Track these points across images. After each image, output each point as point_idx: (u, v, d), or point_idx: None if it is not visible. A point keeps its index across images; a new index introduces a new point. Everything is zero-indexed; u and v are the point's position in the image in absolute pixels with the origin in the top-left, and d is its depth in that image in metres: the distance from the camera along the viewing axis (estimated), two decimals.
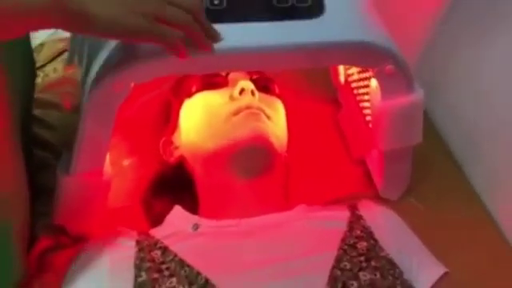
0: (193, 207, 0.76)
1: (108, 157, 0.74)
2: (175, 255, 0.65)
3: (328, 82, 0.99)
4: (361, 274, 0.62)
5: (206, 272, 0.61)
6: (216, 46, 0.62)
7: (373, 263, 0.64)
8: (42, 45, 1.08)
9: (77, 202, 0.71)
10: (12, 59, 0.70)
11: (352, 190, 0.88)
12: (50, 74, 1.03)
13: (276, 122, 0.77)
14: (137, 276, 0.63)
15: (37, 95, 0.98)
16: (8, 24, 0.50)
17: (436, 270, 0.69)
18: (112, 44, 0.61)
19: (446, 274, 0.70)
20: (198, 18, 0.57)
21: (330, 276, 0.61)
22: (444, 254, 0.73)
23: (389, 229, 0.72)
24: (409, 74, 0.70)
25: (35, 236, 0.77)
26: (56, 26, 0.52)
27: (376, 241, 0.68)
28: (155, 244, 0.67)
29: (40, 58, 1.05)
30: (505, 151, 0.85)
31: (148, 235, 0.69)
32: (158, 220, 0.76)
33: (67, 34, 0.88)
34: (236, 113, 0.74)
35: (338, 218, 0.72)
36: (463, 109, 0.93)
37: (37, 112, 0.95)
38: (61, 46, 1.06)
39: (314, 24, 0.65)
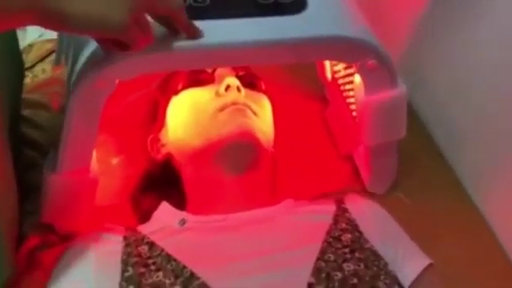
0: (180, 204, 0.76)
1: (95, 155, 0.75)
2: (162, 250, 0.65)
3: (316, 78, 1.00)
4: (345, 265, 0.63)
5: (192, 266, 0.62)
6: (200, 42, 0.63)
7: (357, 254, 0.65)
8: (30, 45, 1.09)
9: (64, 200, 0.71)
10: None
11: (340, 185, 0.89)
12: (38, 74, 1.03)
13: (262, 117, 0.78)
14: (123, 271, 0.63)
15: (25, 95, 0.98)
16: None
17: (421, 262, 0.70)
18: (95, 42, 0.62)
19: (430, 265, 0.70)
20: (178, 18, 0.58)
21: (314, 267, 0.62)
22: (430, 246, 0.74)
23: (374, 221, 0.72)
24: (391, 68, 0.71)
25: (24, 234, 0.78)
26: (33, 24, 0.52)
27: (361, 233, 0.69)
28: (142, 239, 0.67)
29: (29, 59, 1.05)
30: (490, 144, 0.86)
31: (135, 231, 0.70)
32: (146, 217, 0.76)
33: (56, 35, 0.89)
34: (222, 109, 0.74)
35: (324, 212, 0.72)
36: (448, 103, 0.94)
37: (25, 112, 0.95)
38: (49, 46, 1.06)
39: (297, 19, 0.66)
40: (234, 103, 0.75)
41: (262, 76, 0.85)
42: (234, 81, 0.76)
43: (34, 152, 0.89)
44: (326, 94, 0.99)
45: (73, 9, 0.52)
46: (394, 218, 0.77)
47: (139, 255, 0.65)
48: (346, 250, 0.65)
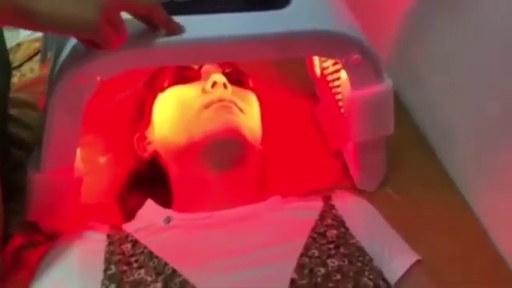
0: (167, 201, 0.76)
1: (79, 153, 0.74)
2: (145, 248, 0.65)
3: (306, 75, 1.00)
4: (329, 260, 0.62)
5: (174, 263, 0.61)
6: (182, 37, 0.62)
7: (341, 250, 0.64)
8: (18, 45, 1.09)
9: (48, 199, 0.71)
10: None
11: (329, 182, 0.89)
12: (26, 73, 1.03)
13: (249, 114, 0.78)
14: (106, 269, 0.63)
15: (13, 95, 0.97)
16: None
17: (408, 258, 0.69)
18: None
19: (418, 261, 0.70)
20: (155, 14, 0.58)
21: (297, 263, 0.62)
22: (419, 242, 0.73)
23: (361, 217, 0.72)
24: (377, 63, 0.71)
25: (10, 234, 0.77)
26: (6, 23, 0.52)
27: (347, 229, 0.68)
28: (126, 237, 0.67)
29: (17, 58, 1.05)
30: (480, 140, 0.85)
31: (119, 229, 0.69)
32: (131, 215, 0.75)
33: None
34: (208, 106, 0.74)
35: (311, 208, 0.72)
36: (439, 98, 0.94)
37: (13, 111, 0.95)
38: (37, 45, 1.06)
39: (281, 14, 0.66)
40: (219, 100, 0.74)
41: (251, 73, 0.85)
42: (220, 77, 0.76)
43: (21, 151, 0.88)
44: (316, 91, 0.98)
45: (40, 7, 0.51)
46: (382, 214, 0.76)
47: (122, 253, 0.64)
48: (331, 246, 0.65)
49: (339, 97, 0.87)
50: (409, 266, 0.68)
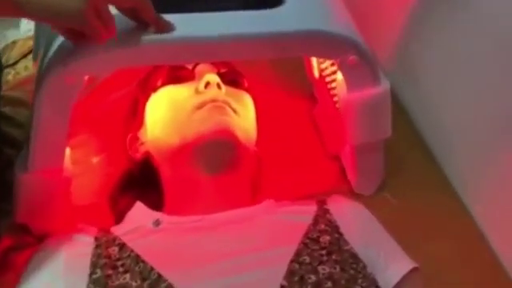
0: (159, 204, 0.74)
1: (69, 153, 0.73)
2: (131, 251, 0.63)
3: (304, 76, 0.98)
4: (320, 267, 0.61)
5: (160, 268, 0.60)
6: (171, 36, 0.61)
7: (334, 257, 0.63)
8: (14, 42, 1.08)
9: (36, 200, 0.70)
10: None
11: (327, 185, 0.87)
12: (21, 71, 1.02)
13: (243, 116, 0.76)
14: (92, 273, 0.61)
15: (7, 93, 0.97)
16: None
17: (404, 265, 0.68)
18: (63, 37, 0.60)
19: (414, 269, 0.68)
20: (143, 10, 0.56)
21: (287, 270, 0.60)
22: (417, 247, 0.73)
23: (356, 223, 0.70)
24: (373, 65, 0.69)
25: (0, 234, 0.76)
26: None
27: (341, 234, 0.67)
28: (113, 240, 0.66)
29: (12, 56, 1.04)
30: (479, 143, 0.84)
31: (107, 232, 0.68)
32: (122, 217, 0.74)
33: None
34: (200, 106, 0.72)
35: (304, 213, 0.70)
36: (438, 101, 0.92)
37: (6, 110, 0.94)
38: (32, 43, 1.05)
39: (275, 13, 0.65)
40: (212, 101, 0.72)
41: (248, 73, 0.83)
42: (213, 78, 0.74)
43: (13, 150, 0.87)
44: (314, 92, 0.97)
45: None
46: (379, 218, 0.74)
47: (109, 257, 0.63)
48: (323, 252, 0.63)
49: (336, 98, 0.85)
50: (404, 273, 0.67)
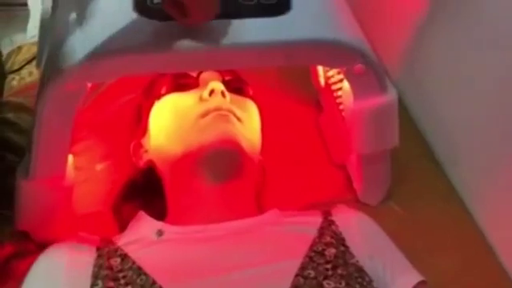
0: (162, 213, 0.73)
1: (72, 161, 0.72)
2: (133, 263, 0.62)
3: (310, 83, 0.97)
4: (325, 282, 0.59)
5: (162, 281, 0.59)
6: (179, 44, 0.60)
7: (339, 271, 0.61)
8: (19, 48, 1.07)
9: (37, 207, 0.69)
10: None
11: (332, 195, 0.86)
12: (25, 77, 1.02)
13: (247, 124, 0.75)
14: (93, 284, 0.60)
15: (11, 98, 0.97)
16: None
17: (411, 278, 0.66)
18: (67, 44, 0.59)
19: (422, 282, 0.67)
20: None
21: (292, 284, 0.59)
22: (423, 258, 0.71)
23: (362, 234, 0.69)
24: (380, 73, 0.68)
25: (1, 242, 0.75)
26: None
27: (347, 247, 0.65)
28: (115, 251, 0.64)
29: (17, 61, 1.04)
30: (486, 152, 0.83)
31: (110, 242, 0.67)
32: (125, 226, 0.73)
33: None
34: (204, 115, 0.71)
35: (309, 224, 0.69)
36: (445, 110, 0.91)
37: (10, 115, 0.94)
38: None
39: (280, 21, 0.63)
40: (217, 109, 0.72)
41: (253, 81, 0.83)
42: (218, 85, 0.73)
43: (15, 157, 0.87)
44: (320, 100, 0.96)
45: None
46: (385, 228, 0.73)
47: (110, 268, 0.62)
48: (328, 266, 0.62)
49: (342, 107, 0.84)
50: (411, 287, 0.65)
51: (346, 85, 0.71)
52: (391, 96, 0.71)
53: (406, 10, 0.96)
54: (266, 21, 0.63)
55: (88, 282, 0.61)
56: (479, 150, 0.84)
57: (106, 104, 0.94)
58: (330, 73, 0.89)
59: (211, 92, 0.73)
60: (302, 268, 0.61)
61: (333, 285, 0.59)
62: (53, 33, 0.68)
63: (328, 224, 0.69)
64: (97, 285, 0.60)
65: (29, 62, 1.03)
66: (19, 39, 1.16)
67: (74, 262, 0.64)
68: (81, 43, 0.60)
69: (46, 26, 0.74)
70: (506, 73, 0.75)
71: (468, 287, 0.75)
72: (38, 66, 0.80)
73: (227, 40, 0.62)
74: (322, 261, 0.62)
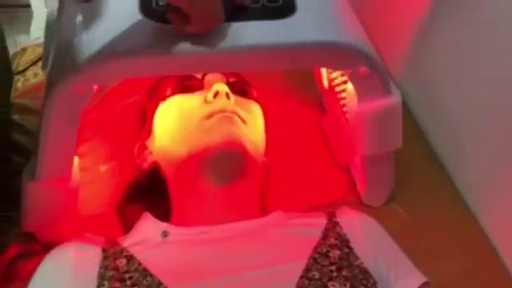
0: (166, 214, 0.74)
1: (77, 162, 0.73)
2: (139, 264, 0.62)
3: (313, 85, 0.97)
4: (330, 283, 0.60)
5: (167, 282, 0.59)
6: (185, 46, 0.60)
7: (344, 273, 0.62)
8: (23, 49, 1.07)
9: (43, 209, 0.70)
10: None
11: (336, 196, 0.86)
12: (30, 78, 1.02)
13: (252, 126, 0.75)
14: (99, 285, 0.61)
15: (17, 100, 0.97)
16: None
17: (415, 280, 0.67)
18: (74, 46, 0.60)
19: (425, 283, 0.67)
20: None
21: (296, 286, 0.59)
22: (426, 261, 0.71)
23: (366, 236, 0.69)
24: (384, 75, 0.68)
25: (8, 243, 0.76)
26: None
27: (351, 249, 0.66)
28: (121, 252, 0.65)
29: (21, 63, 1.04)
30: (491, 155, 0.83)
31: (115, 243, 0.67)
32: (130, 227, 0.73)
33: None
34: (209, 116, 0.72)
35: (314, 226, 0.69)
36: (449, 111, 0.91)
37: (16, 117, 0.94)
38: (42, 50, 1.05)
39: (285, 24, 0.64)
40: (221, 111, 0.72)
41: (257, 83, 0.83)
42: (222, 87, 0.74)
43: (21, 158, 0.87)
44: (324, 102, 0.96)
45: None
46: (388, 230, 0.73)
47: (116, 269, 0.62)
48: (333, 268, 0.62)
49: (346, 109, 0.85)
50: None
51: (350, 87, 0.71)
52: (395, 98, 0.71)
53: (409, 12, 0.96)
54: (270, 23, 0.64)
55: (94, 282, 0.61)
56: (483, 152, 0.84)
57: (111, 105, 0.94)
58: (334, 75, 0.90)
59: (216, 94, 0.73)
60: (307, 270, 0.61)
61: (338, 286, 0.60)
62: (59, 34, 0.68)
63: (332, 226, 0.69)
64: (103, 285, 0.61)
65: (34, 63, 1.03)
66: (22, 40, 1.16)
67: (80, 263, 0.64)
68: (87, 45, 0.60)
69: (52, 27, 0.74)
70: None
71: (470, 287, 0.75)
72: (43, 67, 0.80)
73: (232, 43, 0.63)
74: (326, 262, 0.63)
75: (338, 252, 0.64)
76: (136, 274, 0.61)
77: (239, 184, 0.72)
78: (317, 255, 0.63)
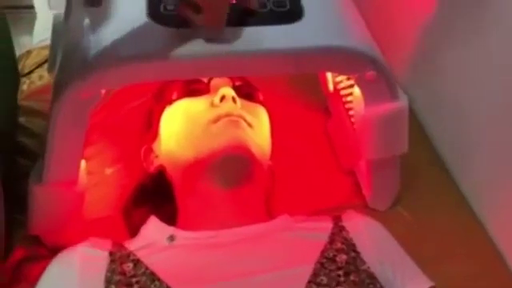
0: (172, 218, 0.74)
1: (84, 166, 0.73)
2: (146, 268, 0.62)
3: (319, 89, 0.97)
4: None
5: (176, 286, 0.59)
6: (190, 51, 0.60)
7: (351, 277, 0.62)
8: (29, 52, 1.07)
9: (49, 212, 0.70)
10: None
11: (341, 200, 0.86)
12: (35, 81, 1.02)
13: (258, 129, 0.75)
14: None
15: (22, 102, 0.97)
16: None
17: (420, 283, 0.67)
18: (82, 51, 0.60)
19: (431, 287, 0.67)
20: None
21: None
22: (432, 265, 0.71)
23: (372, 240, 0.69)
24: (391, 80, 0.68)
25: (13, 246, 0.76)
26: None
27: (357, 253, 0.66)
28: (128, 256, 0.65)
29: (26, 65, 1.04)
30: (496, 160, 0.83)
31: (122, 246, 0.67)
32: (136, 231, 0.73)
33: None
34: (215, 120, 0.72)
35: (320, 230, 0.69)
36: (454, 116, 0.91)
37: (21, 120, 0.94)
38: (47, 52, 1.04)
39: (292, 29, 0.64)
40: (228, 115, 0.72)
41: (263, 86, 0.83)
42: (229, 91, 0.74)
43: (27, 161, 0.87)
44: (329, 106, 0.96)
45: None
46: (393, 234, 0.73)
47: (123, 273, 0.62)
48: (340, 273, 0.62)
49: (352, 112, 0.85)
50: None
51: (356, 91, 0.71)
52: (402, 103, 0.71)
53: (415, 17, 0.96)
54: (277, 28, 0.64)
55: (101, 287, 0.61)
56: (488, 156, 0.84)
57: (116, 108, 0.94)
58: (339, 78, 0.90)
59: (222, 98, 0.73)
60: (315, 274, 0.61)
61: None
62: (66, 38, 0.68)
63: (339, 230, 0.69)
64: None
65: (39, 65, 1.03)
66: (26, 42, 1.16)
67: (87, 267, 0.64)
68: (95, 50, 0.60)
69: (58, 30, 0.74)
70: None
71: None
72: (49, 70, 0.80)
73: (239, 47, 0.63)
74: (333, 267, 0.63)
75: (344, 256, 0.64)
76: (143, 278, 0.61)
77: (245, 188, 0.72)
78: (324, 260, 0.63)
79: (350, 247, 0.66)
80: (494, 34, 0.79)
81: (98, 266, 0.64)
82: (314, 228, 0.70)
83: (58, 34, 0.74)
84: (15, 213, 0.78)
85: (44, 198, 0.69)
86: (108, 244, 0.68)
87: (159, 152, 0.78)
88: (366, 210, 0.83)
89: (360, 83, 0.68)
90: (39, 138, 0.92)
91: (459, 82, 0.89)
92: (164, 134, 0.78)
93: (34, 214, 0.70)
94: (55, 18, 0.76)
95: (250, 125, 0.74)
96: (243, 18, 0.64)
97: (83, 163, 0.72)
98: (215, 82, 0.77)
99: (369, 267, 0.64)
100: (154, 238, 0.68)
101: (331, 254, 0.64)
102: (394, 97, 0.70)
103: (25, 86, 1.01)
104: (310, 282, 0.60)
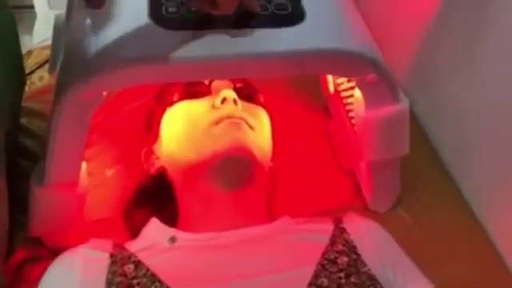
0: (173, 219, 0.74)
1: (85, 167, 0.73)
2: (147, 270, 0.63)
3: (319, 90, 0.97)
4: None
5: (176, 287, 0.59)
6: (192, 53, 0.60)
7: (352, 279, 0.62)
8: (29, 52, 1.07)
9: (51, 213, 0.69)
10: None
11: (341, 202, 0.86)
12: (36, 82, 1.02)
13: (259, 131, 0.75)
14: None
15: (22, 103, 0.97)
16: None
17: (421, 286, 0.67)
18: (84, 52, 0.60)
19: None
20: None
21: None
22: (432, 267, 0.71)
23: (373, 242, 0.69)
24: (392, 83, 0.68)
25: (15, 247, 0.76)
26: None
27: (358, 255, 0.66)
28: (129, 258, 0.65)
29: (27, 66, 1.04)
30: (496, 162, 0.83)
31: (123, 248, 0.67)
32: (137, 232, 0.73)
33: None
34: (217, 122, 0.72)
35: (321, 232, 0.69)
36: (455, 118, 0.91)
37: (22, 121, 0.94)
38: (48, 53, 1.04)
39: (294, 31, 0.64)
40: (229, 117, 0.72)
41: (263, 88, 0.83)
42: (230, 93, 0.74)
43: (28, 162, 0.87)
44: (329, 107, 0.96)
45: None
46: (394, 236, 0.73)
47: (124, 274, 0.62)
48: (341, 275, 0.62)
49: (352, 114, 0.85)
50: None
51: (357, 93, 0.71)
52: (403, 105, 0.71)
53: (416, 18, 0.96)
54: (279, 31, 0.64)
55: None
56: (489, 158, 0.84)
57: (117, 109, 0.94)
58: (340, 80, 0.90)
59: (223, 100, 0.73)
60: (316, 276, 0.61)
61: None
62: (68, 39, 0.68)
63: (340, 232, 0.69)
64: None
65: (40, 66, 1.03)
66: (26, 41, 1.16)
67: (88, 269, 0.64)
68: (97, 52, 0.60)
69: (60, 30, 0.74)
70: None
71: None
72: (50, 71, 0.80)
73: (241, 50, 0.63)
74: (334, 269, 0.63)
75: (345, 258, 0.64)
76: (144, 280, 0.61)
77: (246, 189, 0.72)
78: (325, 261, 0.64)
79: (351, 249, 0.66)
80: (495, 35, 0.80)
81: (99, 268, 0.64)
82: (315, 230, 0.70)
83: (59, 34, 0.74)
84: (16, 214, 0.78)
85: (45, 200, 0.69)
86: (109, 245, 0.68)
87: (160, 153, 0.78)
88: (367, 211, 0.84)
89: (361, 86, 0.68)
90: (40, 139, 0.92)
91: (460, 85, 0.89)
92: (165, 135, 0.78)
93: (35, 215, 0.70)
94: (57, 18, 0.76)
95: (251, 127, 0.74)
96: (245, 20, 0.64)
97: (84, 164, 0.72)
98: (216, 83, 0.77)
99: (369, 269, 0.64)
100: (154, 240, 0.68)
101: (332, 256, 0.65)
102: (395, 99, 0.70)
103: (25, 86, 1.01)
104: (310, 283, 0.61)
